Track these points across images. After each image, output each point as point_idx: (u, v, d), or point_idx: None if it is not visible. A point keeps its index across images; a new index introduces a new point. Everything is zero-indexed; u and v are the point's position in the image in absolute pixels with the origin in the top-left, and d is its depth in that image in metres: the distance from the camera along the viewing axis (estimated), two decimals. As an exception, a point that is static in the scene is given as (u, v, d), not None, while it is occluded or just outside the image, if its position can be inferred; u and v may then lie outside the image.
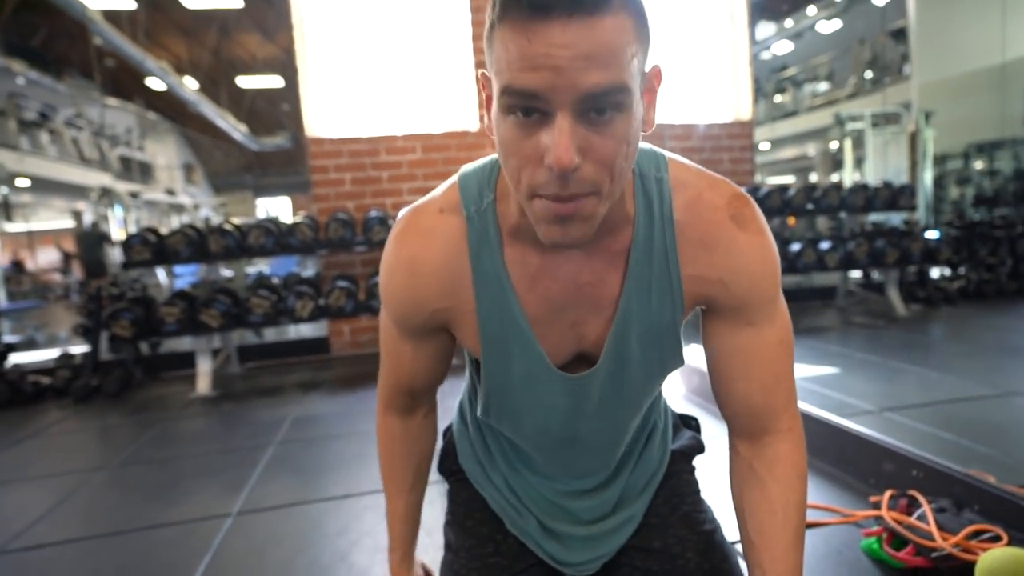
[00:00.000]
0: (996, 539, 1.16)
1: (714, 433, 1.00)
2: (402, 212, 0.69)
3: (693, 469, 0.90)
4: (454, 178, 0.67)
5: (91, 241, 7.86)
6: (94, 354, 3.29)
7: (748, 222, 0.62)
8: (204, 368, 3.20)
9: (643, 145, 0.64)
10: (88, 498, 1.91)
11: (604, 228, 0.58)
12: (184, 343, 3.65)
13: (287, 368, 3.71)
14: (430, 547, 1.32)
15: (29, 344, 5.12)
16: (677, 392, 2.55)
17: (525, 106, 0.49)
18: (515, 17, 0.47)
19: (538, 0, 0.45)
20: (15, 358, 3.65)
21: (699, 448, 0.92)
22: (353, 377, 3.37)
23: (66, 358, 3.46)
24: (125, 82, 12.39)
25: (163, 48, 11.26)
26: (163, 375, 3.62)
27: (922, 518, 1.25)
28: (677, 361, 0.70)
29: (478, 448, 0.86)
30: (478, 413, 0.74)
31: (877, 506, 1.37)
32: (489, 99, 0.54)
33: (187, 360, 3.50)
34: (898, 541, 1.25)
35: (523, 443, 0.77)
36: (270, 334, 4.11)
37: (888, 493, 1.38)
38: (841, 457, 1.69)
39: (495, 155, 0.65)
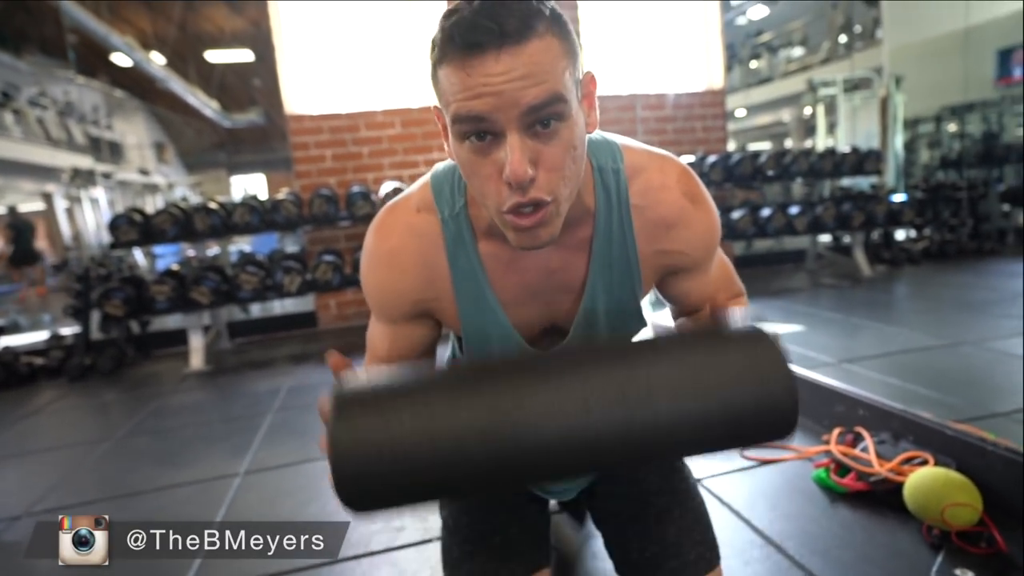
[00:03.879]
0: (924, 463, 1.32)
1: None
2: (384, 205, 0.74)
3: None
4: (426, 177, 0.72)
5: (21, 229, 7.65)
6: (85, 334, 3.35)
7: (697, 198, 0.71)
8: (196, 344, 3.28)
9: (597, 137, 0.70)
10: (99, 466, 2.01)
11: (568, 223, 0.64)
12: (173, 321, 3.71)
13: (277, 342, 3.80)
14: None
15: (13, 328, 5.12)
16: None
17: (477, 130, 0.55)
18: (452, 57, 0.53)
19: (470, 39, 0.52)
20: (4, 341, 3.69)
21: None
22: (342, 348, 3.39)
23: (57, 339, 3.51)
24: (89, 59, 11.98)
25: (127, 23, 10.88)
26: (154, 353, 3.69)
27: (864, 450, 1.42)
28: (640, 326, 0.78)
29: None
30: None
31: (827, 442, 1.53)
32: (444, 128, 0.60)
33: (177, 337, 3.57)
34: (843, 470, 1.42)
35: None
36: (258, 310, 4.18)
37: (837, 430, 1.55)
38: (799, 404, 1.86)
39: None
